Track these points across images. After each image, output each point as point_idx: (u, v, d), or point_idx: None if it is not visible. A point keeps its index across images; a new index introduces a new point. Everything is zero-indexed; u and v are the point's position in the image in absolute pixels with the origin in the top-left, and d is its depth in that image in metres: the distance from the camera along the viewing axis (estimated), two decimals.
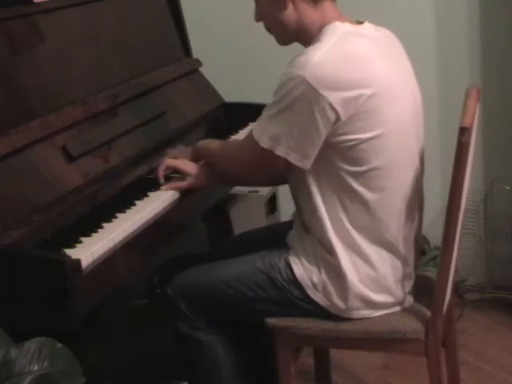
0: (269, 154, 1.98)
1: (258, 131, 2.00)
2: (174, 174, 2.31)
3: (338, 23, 1.99)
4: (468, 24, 3.15)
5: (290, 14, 2.02)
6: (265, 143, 1.98)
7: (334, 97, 1.89)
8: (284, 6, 2.02)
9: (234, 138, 2.72)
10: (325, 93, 1.88)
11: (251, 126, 2.83)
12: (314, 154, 1.96)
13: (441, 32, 3.18)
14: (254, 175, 2.25)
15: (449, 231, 1.96)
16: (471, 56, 3.17)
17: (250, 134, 2.04)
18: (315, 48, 1.94)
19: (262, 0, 2.06)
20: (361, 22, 2.03)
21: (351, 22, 2.01)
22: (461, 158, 1.90)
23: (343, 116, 1.91)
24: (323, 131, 1.92)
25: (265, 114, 2.01)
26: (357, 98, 1.90)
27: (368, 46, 1.98)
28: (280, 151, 1.96)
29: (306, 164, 1.97)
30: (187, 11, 2.96)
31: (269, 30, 2.11)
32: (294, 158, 1.96)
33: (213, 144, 2.30)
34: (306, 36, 2.04)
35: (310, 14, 2.02)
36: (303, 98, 1.90)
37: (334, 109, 1.90)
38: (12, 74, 2.15)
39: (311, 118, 1.91)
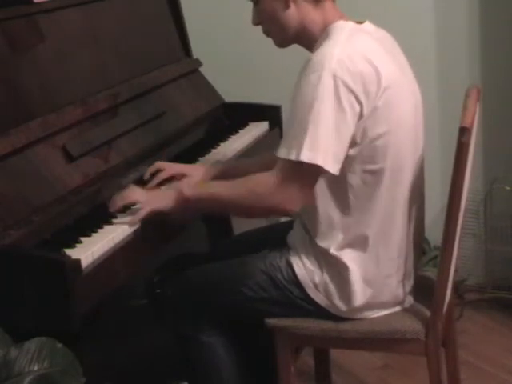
0: (313, 168, 1.87)
1: (294, 149, 1.87)
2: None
3: (342, 22, 1.99)
4: (468, 24, 3.15)
5: (292, 14, 2.01)
6: (305, 157, 1.86)
7: (358, 90, 1.88)
8: (286, 6, 2.00)
9: (233, 137, 2.71)
10: (351, 85, 1.86)
11: (252, 125, 2.84)
12: (343, 157, 1.90)
13: (441, 32, 3.18)
14: (302, 196, 1.94)
15: (449, 231, 1.96)
16: (471, 56, 3.17)
17: (282, 159, 1.90)
18: (329, 45, 1.92)
19: (263, 1, 2.05)
20: (361, 22, 2.03)
21: (353, 21, 2.01)
22: (461, 158, 1.90)
23: (366, 110, 1.89)
24: (352, 128, 1.89)
25: (292, 127, 1.90)
26: (374, 92, 1.89)
27: (375, 42, 1.98)
28: (317, 160, 1.86)
29: (337, 169, 1.90)
30: (187, 11, 2.96)
31: (267, 32, 2.09)
32: (328, 164, 1.88)
33: (216, 187, 2.06)
34: (307, 37, 2.03)
35: (312, 15, 2.01)
36: (333, 95, 1.86)
37: (360, 102, 1.88)
38: (12, 74, 2.15)
39: (343, 115, 1.87)
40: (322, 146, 1.87)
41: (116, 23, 2.62)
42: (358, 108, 1.89)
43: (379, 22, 2.07)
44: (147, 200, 2.08)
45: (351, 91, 1.87)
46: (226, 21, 3.35)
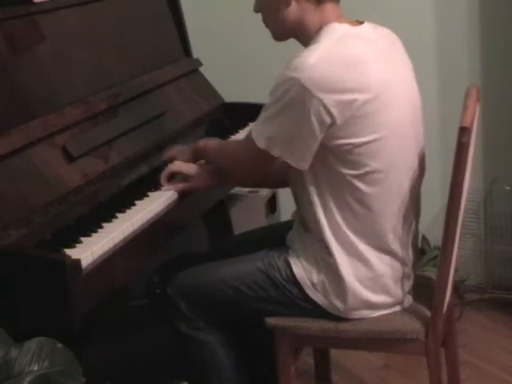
0: (266, 154, 1.99)
1: (256, 131, 2.01)
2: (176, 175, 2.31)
3: (336, 24, 1.98)
4: (468, 24, 3.15)
5: (292, 11, 2.01)
6: (261, 144, 1.98)
7: (329, 99, 1.88)
8: (287, 4, 2.01)
9: (233, 137, 2.72)
10: (320, 95, 1.88)
11: (251, 126, 2.83)
12: (310, 156, 1.96)
13: (440, 32, 3.18)
14: (251, 175, 2.24)
15: (449, 231, 1.96)
16: (471, 56, 3.17)
17: (249, 134, 2.05)
18: (311, 50, 1.93)
19: None
20: (361, 22, 2.03)
21: (350, 23, 2.00)
22: (461, 158, 1.90)
23: (339, 119, 1.90)
24: (318, 134, 1.92)
25: (262, 114, 2.01)
26: (351, 102, 1.89)
27: (364, 48, 1.97)
28: (276, 152, 1.97)
29: (303, 166, 1.97)
30: (187, 11, 2.96)
31: (266, 23, 2.10)
32: (290, 160, 1.97)
33: (212, 143, 2.30)
34: (303, 35, 2.03)
35: (311, 14, 2.01)
36: (298, 101, 1.89)
37: (329, 112, 1.89)
38: (12, 74, 2.15)
39: (306, 120, 1.90)
40: (280, 140, 1.96)
41: (116, 23, 2.62)
42: (326, 118, 1.90)
43: (378, 21, 2.06)
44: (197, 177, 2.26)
45: (319, 101, 1.88)
46: (226, 21, 3.35)
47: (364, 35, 1.99)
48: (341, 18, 2.02)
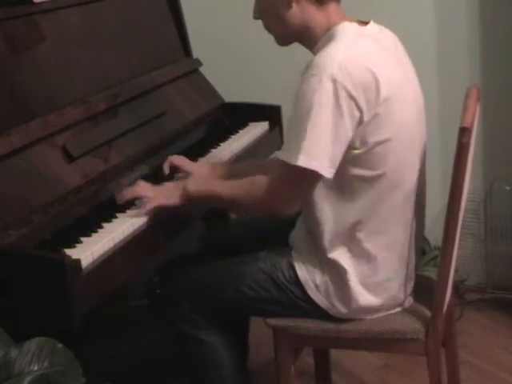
0: (308, 173, 1.88)
1: (287, 152, 1.90)
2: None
3: (347, 23, 1.97)
4: (468, 24, 3.15)
5: (294, 14, 1.99)
6: (301, 161, 1.87)
7: (361, 97, 1.86)
8: (289, 6, 1.99)
9: (233, 137, 2.71)
10: (353, 92, 1.85)
11: (252, 125, 2.83)
12: (339, 161, 1.90)
13: (440, 32, 3.18)
14: (297, 199, 2.00)
15: (449, 231, 1.96)
16: (471, 56, 3.17)
17: (280, 161, 1.92)
18: (333, 48, 1.91)
19: None
20: (365, 23, 2.02)
21: (357, 23, 2.00)
22: (461, 159, 1.90)
23: (366, 116, 1.88)
24: (350, 132, 1.88)
25: (291, 130, 1.93)
26: (375, 100, 1.88)
27: (377, 48, 1.97)
28: (313, 165, 1.87)
29: (331, 173, 1.90)
30: (187, 11, 2.96)
31: (268, 28, 2.08)
32: (323, 169, 1.88)
33: (217, 186, 2.11)
34: (309, 37, 2.02)
35: (315, 16, 1.99)
36: (333, 100, 1.84)
37: (359, 107, 1.87)
38: (12, 73, 2.15)
39: (340, 118, 1.86)
40: (319, 151, 1.87)
41: (116, 23, 2.62)
42: (357, 114, 1.88)
43: (379, 23, 2.06)
44: (154, 195, 2.12)
45: (351, 97, 1.86)
46: (226, 21, 3.35)
47: (373, 35, 1.99)
48: (346, 19, 2.01)
